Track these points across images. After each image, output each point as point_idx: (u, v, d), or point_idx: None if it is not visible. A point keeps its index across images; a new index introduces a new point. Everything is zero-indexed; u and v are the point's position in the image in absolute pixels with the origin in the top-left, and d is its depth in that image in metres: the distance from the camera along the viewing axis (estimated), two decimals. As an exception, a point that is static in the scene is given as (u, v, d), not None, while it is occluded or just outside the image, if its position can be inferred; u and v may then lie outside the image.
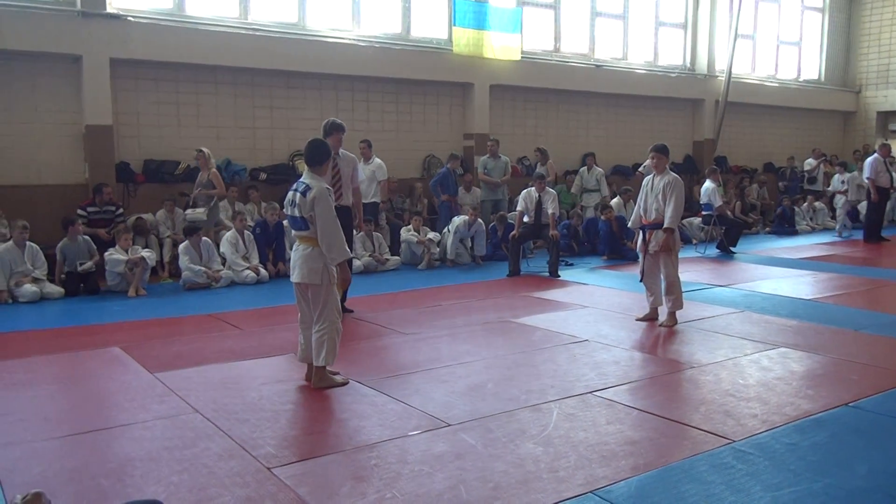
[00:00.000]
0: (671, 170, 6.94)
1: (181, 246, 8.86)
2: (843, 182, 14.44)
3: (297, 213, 4.74)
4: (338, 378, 4.94)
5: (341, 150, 7.13)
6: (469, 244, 10.80)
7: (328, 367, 4.89)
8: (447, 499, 3.24)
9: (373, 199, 10.15)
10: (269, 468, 3.55)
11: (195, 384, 4.92)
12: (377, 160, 10.19)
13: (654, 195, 6.77)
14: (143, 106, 10.13)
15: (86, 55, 9.35)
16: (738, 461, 3.63)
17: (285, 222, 9.12)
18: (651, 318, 6.91)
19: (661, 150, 6.86)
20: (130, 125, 10.06)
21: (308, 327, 4.93)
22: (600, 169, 13.22)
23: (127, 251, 8.46)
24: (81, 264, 8.32)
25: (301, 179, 4.86)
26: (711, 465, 3.59)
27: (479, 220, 10.78)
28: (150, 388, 4.85)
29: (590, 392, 4.73)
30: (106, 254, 8.47)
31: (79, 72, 9.50)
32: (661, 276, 6.85)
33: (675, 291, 6.76)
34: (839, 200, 14.70)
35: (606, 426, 4.12)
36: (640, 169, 12.14)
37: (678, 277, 6.83)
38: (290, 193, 4.85)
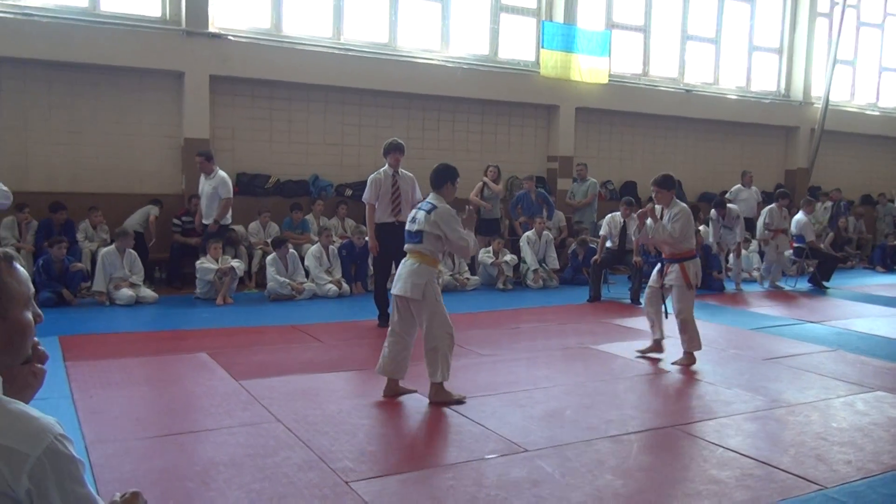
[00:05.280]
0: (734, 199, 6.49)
1: (269, 258, 9.13)
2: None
3: (414, 228, 5.02)
4: (454, 394, 4.96)
5: (401, 170, 7.54)
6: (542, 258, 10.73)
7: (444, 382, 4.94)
8: (523, 526, 3.20)
9: (211, 218, 9.06)
10: (346, 482, 3.59)
11: (278, 393, 5.04)
12: (221, 174, 9.09)
13: (658, 229, 6.23)
14: (239, 121, 10.53)
15: (188, 72, 9.81)
16: (830, 509, 3.46)
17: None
18: (654, 350, 6.43)
19: (661, 184, 6.25)
20: (226, 139, 10.48)
21: (397, 341, 5.02)
22: (736, 210, 11.29)
23: (217, 260, 8.78)
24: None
25: (427, 200, 5.13)
26: (801, 511, 3.44)
27: (546, 232, 10.74)
28: (234, 395, 5.00)
29: (672, 426, 4.60)
30: (197, 262, 8.81)
31: (181, 87, 9.97)
32: (673, 313, 6.30)
33: (689, 330, 6.22)
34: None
35: (689, 463, 4.00)
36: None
37: (693, 316, 6.26)
38: (414, 211, 5.16)
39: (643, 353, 6.47)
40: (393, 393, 5.06)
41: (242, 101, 10.54)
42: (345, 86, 10.90)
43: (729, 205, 11.42)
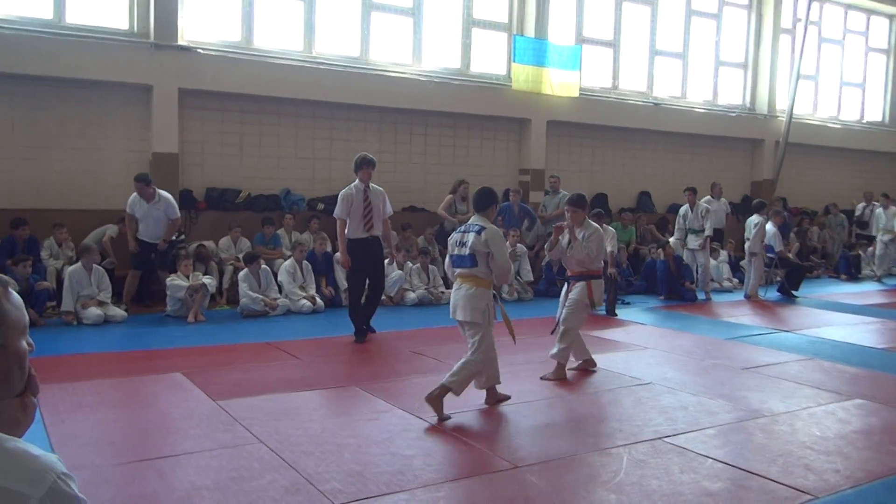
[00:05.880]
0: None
1: (241, 273, 8.97)
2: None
3: (465, 252, 5.04)
4: (443, 411, 4.92)
5: (371, 184, 7.56)
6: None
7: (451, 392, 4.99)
8: (520, 545, 3.13)
9: (159, 239, 8.89)
10: (336, 504, 3.49)
11: (258, 413, 4.91)
12: (165, 195, 8.84)
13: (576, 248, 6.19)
14: (208, 135, 10.36)
15: (156, 85, 9.62)
16: (824, 520, 3.45)
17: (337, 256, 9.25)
18: (585, 368, 6.30)
19: (576, 203, 6.22)
20: (195, 153, 10.29)
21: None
22: (705, 204, 11.50)
23: (188, 277, 8.59)
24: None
25: (471, 222, 5.18)
26: (797, 522, 3.42)
27: (520, 245, 10.77)
28: (213, 416, 4.85)
29: (659, 438, 4.57)
30: (168, 279, 8.61)
31: (149, 101, 9.77)
32: (560, 322, 6.19)
33: (566, 341, 6.12)
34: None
35: (680, 475, 3.97)
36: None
37: (577, 332, 6.21)
38: (459, 235, 5.18)
39: (574, 369, 6.29)
40: (495, 401, 5.22)
41: (212, 115, 10.37)
42: (316, 99, 10.80)
43: (702, 202, 11.50)
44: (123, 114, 9.82)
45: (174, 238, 9.22)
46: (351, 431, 4.64)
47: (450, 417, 4.88)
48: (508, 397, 5.31)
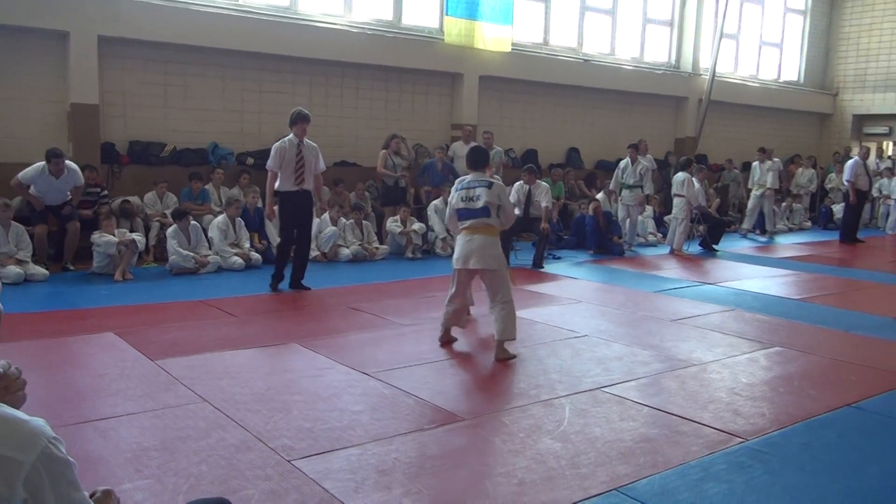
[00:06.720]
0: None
1: (170, 230, 8.71)
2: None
3: (479, 205, 5.41)
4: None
5: (305, 140, 7.61)
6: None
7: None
8: (474, 494, 3.22)
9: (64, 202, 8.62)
10: (288, 460, 3.50)
11: (199, 373, 4.83)
12: (72, 166, 8.51)
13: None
14: (130, 86, 9.90)
15: (73, 32, 9.10)
16: (754, 461, 3.67)
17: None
18: (448, 340, 5.80)
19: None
20: (116, 105, 9.84)
21: (461, 307, 5.73)
22: (645, 163, 11.99)
23: (113, 234, 8.29)
24: None
25: (471, 179, 5.55)
26: (729, 463, 3.63)
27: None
28: (153, 376, 4.76)
29: (598, 388, 4.75)
30: (93, 237, 8.29)
31: (65, 49, 9.25)
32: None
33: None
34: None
35: (620, 423, 4.14)
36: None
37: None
38: (463, 191, 5.50)
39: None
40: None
41: (134, 65, 9.90)
42: (244, 50, 10.44)
43: (640, 157, 11.79)
44: (37, 62, 9.27)
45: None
46: (296, 388, 4.63)
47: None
48: (514, 357, 5.42)
